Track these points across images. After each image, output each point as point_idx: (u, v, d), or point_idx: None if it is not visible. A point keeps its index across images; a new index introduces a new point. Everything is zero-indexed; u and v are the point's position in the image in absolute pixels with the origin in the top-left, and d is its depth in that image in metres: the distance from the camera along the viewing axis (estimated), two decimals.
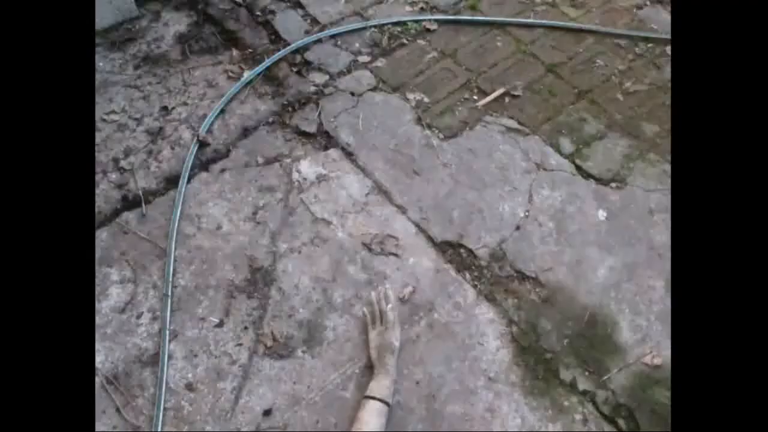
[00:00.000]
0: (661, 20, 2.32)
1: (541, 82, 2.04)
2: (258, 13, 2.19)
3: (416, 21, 2.17)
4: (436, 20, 2.19)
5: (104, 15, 2.10)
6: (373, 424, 1.25)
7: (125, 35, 2.12)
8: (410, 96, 1.94)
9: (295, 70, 2.01)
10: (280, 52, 2.03)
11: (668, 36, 2.23)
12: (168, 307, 1.45)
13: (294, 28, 2.15)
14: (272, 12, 2.20)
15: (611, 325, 1.51)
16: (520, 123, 1.90)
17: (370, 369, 1.37)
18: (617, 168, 1.82)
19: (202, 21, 2.17)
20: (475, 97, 1.96)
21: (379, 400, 1.28)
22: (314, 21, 2.19)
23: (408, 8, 2.25)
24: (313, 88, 1.95)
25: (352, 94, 1.93)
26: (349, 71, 2.02)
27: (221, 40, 2.11)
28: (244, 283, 1.53)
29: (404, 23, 2.17)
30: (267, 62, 2.00)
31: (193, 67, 2.01)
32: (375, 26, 2.15)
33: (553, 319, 1.50)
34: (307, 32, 2.14)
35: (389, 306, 1.45)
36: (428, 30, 2.16)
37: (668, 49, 2.21)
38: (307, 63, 2.04)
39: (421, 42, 2.13)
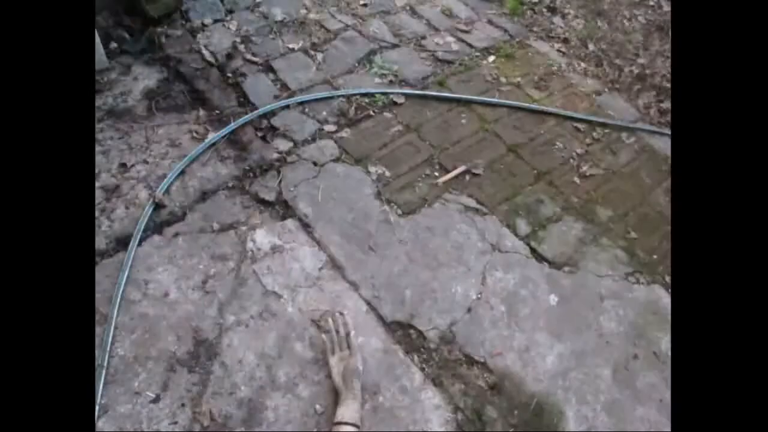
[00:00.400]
0: (618, 107, 2.45)
1: (501, 161, 2.11)
2: (229, 74, 2.24)
3: (384, 93, 2.25)
4: (403, 94, 2.26)
5: None
6: None
7: None
8: (372, 169, 1.98)
9: (260, 135, 2.04)
10: (246, 116, 2.06)
11: (624, 123, 2.34)
12: (101, 379, 1.41)
13: (263, 92, 2.20)
14: (243, 74, 2.25)
15: (557, 415, 1.52)
16: (478, 202, 1.96)
17: None
18: (571, 252, 1.88)
19: (172, 78, 2.20)
20: (437, 174, 2.02)
21: (351, 424, 1.32)
22: (284, 86, 2.24)
23: (377, 80, 2.33)
24: (276, 155, 1.98)
25: (315, 163, 1.97)
26: (313, 140, 2.06)
27: (189, 99, 2.14)
28: (186, 356, 1.50)
29: (372, 95, 2.24)
30: (232, 125, 2.03)
31: (158, 125, 2.03)
32: (343, 96, 2.21)
33: (499, 407, 1.51)
34: (276, 97, 2.18)
35: (352, 333, 1.50)
36: (395, 103, 2.23)
37: (623, 135, 2.32)
38: (273, 128, 2.07)
39: (387, 114, 2.20)
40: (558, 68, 2.58)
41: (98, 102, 2.09)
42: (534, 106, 2.33)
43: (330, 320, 1.55)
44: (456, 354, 1.59)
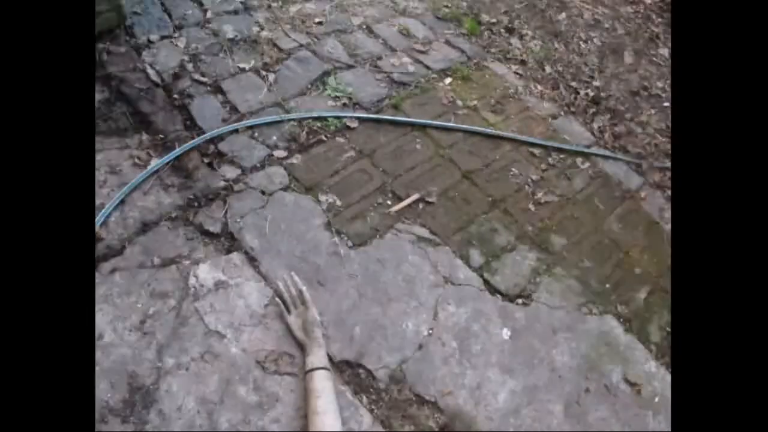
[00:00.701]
0: (573, 131, 2.48)
1: (456, 188, 2.10)
2: (176, 95, 2.17)
3: (337, 117, 2.21)
4: (357, 118, 2.23)
5: None
6: (329, 388, 1.42)
7: None
8: (322, 198, 1.94)
9: (206, 161, 1.97)
10: (192, 141, 1.99)
11: (579, 148, 2.37)
12: None
13: (211, 115, 2.13)
14: (191, 96, 2.18)
15: None
16: (431, 232, 1.94)
17: None
18: (524, 283, 1.88)
19: (114, 99, 2.11)
20: (389, 202, 1.99)
21: (321, 368, 1.45)
22: (233, 109, 2.18)
23: (331, 102, 2.29)
24: (222, 183, 1.91)
25: (263, 192, 1.91)
26: (262, 166, 2.00)
27: (132, 122, 2.05)
28: (120, 405, 1.42)
29: (325, 119, 2.20)
30: (177, 151, 1.96)
31: (97, 150, 1.94)
32: (294, 120, 2.17)
33: None
34: (224, 120, 2.12)
35: (304, 288, 1.63)
36: (348, 127, 2.20)
37: (578, 160, 2.34)
38: (221, 154, 2.01)
39: (340, 139, 2.16)
40: (515, 91, 2.60)
41: None
42: (489, 130, 2.33)
43: (280, 283, 1.65)
44: (406, 393, 1.57)
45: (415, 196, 2.02)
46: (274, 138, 2.11)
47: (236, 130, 2.09)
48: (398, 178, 2.08)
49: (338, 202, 1.95)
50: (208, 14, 2.51)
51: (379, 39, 2.69)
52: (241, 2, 2.64)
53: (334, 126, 2.19)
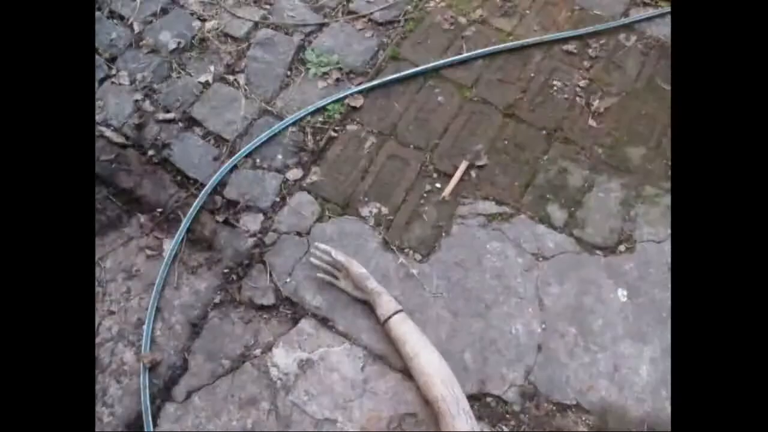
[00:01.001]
0: (602, 2, 2.04)
1: (502, 134, 1.79)
2: (150, 151, 1.83)
3: (336, 101, 1.85)
4: (359, 92, 1.86)
5: None
6: (409, 330, 1.41)
7: None
8: (364, 211, 1.67)
9: (220, 219, 1.70)
10: (195, 204, 1.70)
11: (617, 22, 1.97)
12: None
13: (199, 157, 1.81)
14: (166, 144, 1.84)
15: None
16: (498, 202, 1.67)
17: None
18: (619, 224, 1.63)
19: None
20: (438, 185, 1.71)
21: (395, 312, 1.44)
22: (219, 139, 1.84)
23: (321, 84, 1.91)
24: (251, 241, 1.66)
25: (299, 234, 1.65)
26: (283, 200, 1.72)
27: (120, 205, 1.76)
28: None
29: (324, 108, 1.85)
30: (185, 223, 1.68)
31: (102, 257, 1.69)
32: (291, 125, 1.82)
33: None
34: (215, 159, 1.80)
35: (332, 252, 1.55)
36: (354, 108, 1.85)
37: (622, 37, 1.96)
38: (231, 204, 1.72)
39: (351, 127, 1.83)
40: None
41: None
42: (510, 44, 1.93)
43: (313, 259, 1.57)
44: (545, 406, 1.42)
45: (463, 166, 1.72)
46: (280, 156, 1.79)
47: (235, 166, 1.78)
48: (435, 150, 1.77)
49: (383, 210, 1.68)
50: (136, 27, 2.06)
51: None
52: None
53: (338, 113, 1.84)
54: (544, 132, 1.79)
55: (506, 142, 1.77)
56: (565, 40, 1.94)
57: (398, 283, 1.57)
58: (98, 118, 1.91)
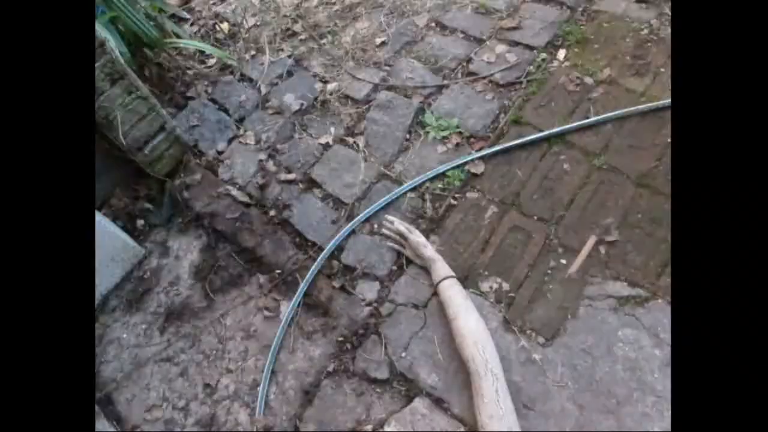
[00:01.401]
0: None
1: (635, 207, 1.65)
2: (271, 211, 1.90)
3: (457, 167, 1.81)
4: (480, 158, 1.82)
5: (112, 272, 1.87)
6: (455, 294, 1.50)
7: (139, 286, 1.88)
8: (485, 286, 1.60)
9: (337, 285, 1.70)
10: (312, 268, 1.73)
11: None
12: None
13: (318, 220, 1.84)
14: (287, 205, 1.89)
15: None
16: (630, 283, 1.54)
17: None
18: None
19: (213, 242, 1.90)
20: (563, 261, 1.60)
21: (448, 277, 1.55)
22: (338, 202, 1.87)
23: (441, 148, 1.89)
24: (367, 310, 1.64)
25: (416, 306, 1.61)
26: (400, 269, 1.70)
27: (242, 263, 1.83)
28: None
29: (443, 174, 1.82)
30: (303, 286, 1.70)
31: (223, 314, 1.75)
32: (410, 190, 1.81)
33: None
34: (333, 222, 1.82)
35: (395, 222, 1.72)
36: (475, 174, 1.80)
37: None
38: (348, 270, 1.73)
39: (472, 195, 1.78)
40: (649, 29, 2.00)
41: (152, 305, 1.83)
42: (643, 106, 1.80)
43: (384, 230, 1.73)
44: None
45: (591, 242, 1.61)
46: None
47: (352, 231, 1.79)
48: (561, 222, 1.67)
49: (504, 286, 1.60)
50: (263, 89, 2.18)
51: (457, 33, 2.19)
52: (290, 56, 2.26)
53: (458, 179, 1.81)
54: None
55: (639, 216, 1.63)
56: None
57: (519, 367, 1.47)
58: (225, 176, 2.01)
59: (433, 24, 2.24)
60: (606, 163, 1.75)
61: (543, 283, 1.59)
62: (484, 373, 1.33)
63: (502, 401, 1.30)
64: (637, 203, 1.67)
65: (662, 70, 1.90)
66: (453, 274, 1.57)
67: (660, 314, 1.49)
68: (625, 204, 1.67)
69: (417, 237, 1.66)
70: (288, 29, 2.37)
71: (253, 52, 2.30)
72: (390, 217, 1.75)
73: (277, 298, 1.74)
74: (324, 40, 2.29)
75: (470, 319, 1.43)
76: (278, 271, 1.78)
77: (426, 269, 1.65)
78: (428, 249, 1.63)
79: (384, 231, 1.74)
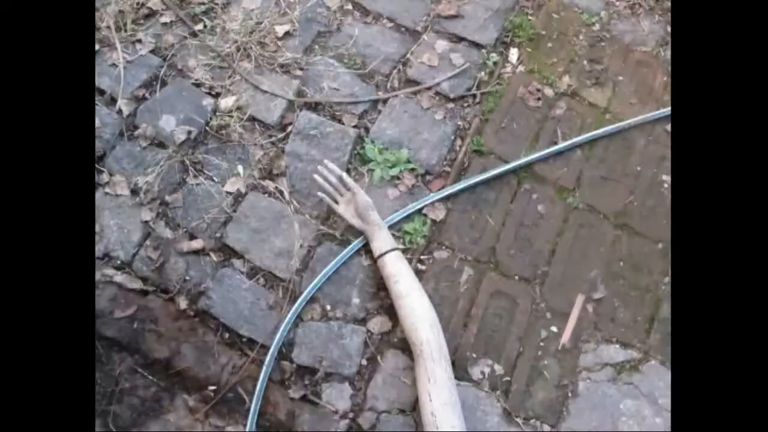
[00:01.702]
0: None
1: (616, 254, 1.52)
2: (181, 300, 1.40)
3: (418, 212, 1.49)
4: (439, 200, 1.50)
5: None
6: (404, 269, 1.37)
7: None
8: (476, 372, 1.39)
9: (296, 395, 1.34)
10: (262, 375, 1.33)
11: None
12: None
13: (248, 306, 1.41)
14: (201, 291, 1.41)
15: None
16: (623, 344, 1.44)
17: None
18: None
19: (105, 354, 1.36)
20: (554, 328, 1.44)
21: (391, 250, 1.38)
22: (271, 278, 1.44)
23: (392, 191, 1.53)
24: (343, 424, 1.32)
25: (403, 411, 1.35)
26: (372, 362, 1.39)
27: (155, 380, 1.35)
28: None
29: (396, 225, 1.48)
30: (255, 404, 1.31)
31: None
32: (361, 248, 1.45)
33: None
34: (271, 307, 1.41)
35: (344, 174, 1.46)
36: (436, 222, 1.50)
37: None
38: (306, 371, 1.37)
39: (441, 254, 1.48)
40: (600, 23, 1.76)
41: None
42: (610, 128, 1.61)
43: (316, 177, 1.47)
44: None
45: (580, 302, 1.46)
46: (356, 300, 1.44)
47: (299, 318, 1.41)
48: (545, 281, 1.48)
49: (497, 369, 1.40)
50: (124, 108, 1.53)
51: (383, 20, 1.72)
52: (153, 51, 1.60)
53: (421, 236, 1.48)
54: (660, 246, 1.54)
55: (622, 264, 1.52)
56: (668, 118, 1.66)
57: None
58: (98, 249, 1.43)
59: (350, 6, 1.73)
60: (581, 200, 1.56)
61: (537, 359, 1.42)
62: (438, 359, 1.27)
63: (454, 388, 1.25)
64: (616, 248, 1.53)
65: (620, 78, 1.70)
66: (399, 246, 1.43)
67: (654, 376, 1.43)
68: (606, 251, 1.53)
69: (365, 197, 1.45)
70: (140, 4, 1.65)
71: (95, 46, 1.57)
72: (332, 165, 1.48)
73: (220, 425, 1.34)
74: (200, 26, 1.65)
75: (424, 301, 1.34)
76: (212, 387, 1.35)
77: (362, 232, 1.45)
78: (375, 213, 1.44)
79: (317, 177, 1.47)
